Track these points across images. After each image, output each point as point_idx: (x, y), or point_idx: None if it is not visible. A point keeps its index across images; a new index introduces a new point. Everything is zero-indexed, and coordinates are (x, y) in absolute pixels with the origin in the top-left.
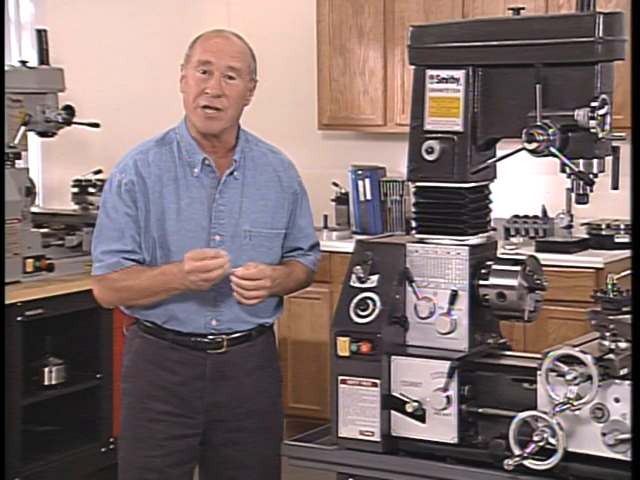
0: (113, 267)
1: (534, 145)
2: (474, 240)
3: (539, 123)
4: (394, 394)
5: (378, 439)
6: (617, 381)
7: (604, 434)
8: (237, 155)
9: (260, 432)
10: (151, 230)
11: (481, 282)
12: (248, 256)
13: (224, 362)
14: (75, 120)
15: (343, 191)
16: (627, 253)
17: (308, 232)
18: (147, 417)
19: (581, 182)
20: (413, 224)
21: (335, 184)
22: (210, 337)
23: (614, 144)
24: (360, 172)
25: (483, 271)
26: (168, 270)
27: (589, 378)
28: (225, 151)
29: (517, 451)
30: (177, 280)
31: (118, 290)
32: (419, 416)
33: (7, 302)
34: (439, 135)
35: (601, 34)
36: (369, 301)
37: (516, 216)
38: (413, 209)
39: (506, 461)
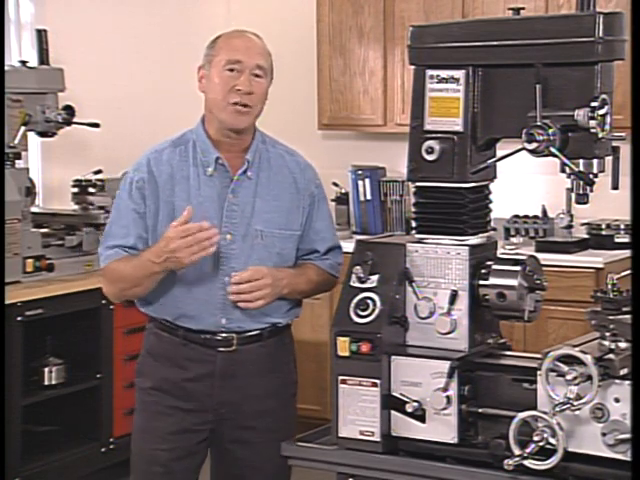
0: (111, 257)
1: (534, 145)
2: (474, 240)
3: (539, 123)
4: (394, 394)
5: (378, 439)
6: (617, 381)
7: (604, 434)
8: (250, 155)
9: (269, 433)
10: (159, 228)
11: (481, 282)
12: (259, 256)
13: (234, 361)
14: (75, 120)
15: (343, 191)
16: (627, 253)
17: (325, 235)
18: (156, 410)
19: (581, 182)
20: (413, 224)
21: (335, 184)
22: (221, 335)
23: (614, 144)
24: (360, 172)
25: (483, 271)
26: (145, 257)
27: (589, 378)
28: (240, 151)
29: (517, 451)
30: (154, 265)
31: (115, 281)
32: (419, 416)
33: (7, 302)
34: (439, 135)
35: (601, 34)
36: (369, 301)
37: (516, 216)
38: (413, 209)
39: (506, 461)
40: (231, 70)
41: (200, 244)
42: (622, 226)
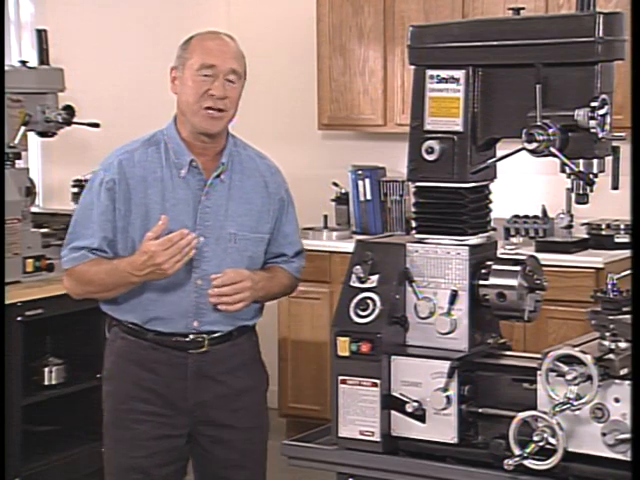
0: (77, 260)
1: (534, 145)
2: (474, 240)
3: (539, 123)
4: (394, 394)
5: (378, 439)
6: (617, 381)
7: (604, 434)
8: (225, 158)
9: (246, 430)
10: (131, 230)
11: (481, 282)
12: (232, 259)
13: (205, 361)
14: (75, 120)
15: (343, 191)
16: (627, 253)
17: (293, 239)
18: (131, 418)
19: (581, 182)
20: (413, 224)
21: (335, 184)
22: (191, 337)
23: (614, 144)
24: (360, 172)
25: (483, 271)
26: (122, 267)
27: (589, 378)
28: (214, 154)
29: (517, 451)
30: (133, 277)
31: (83, 284)
32: (419, 416)
33: (7, 302)
34: (439, 135)
35: (601, 34)
36: (369, 301)
37: (516, 216)
38: (413, 209)
39: (506, 461)
40: (205, 75)
41: (182, 251)
42: (622, 226)
